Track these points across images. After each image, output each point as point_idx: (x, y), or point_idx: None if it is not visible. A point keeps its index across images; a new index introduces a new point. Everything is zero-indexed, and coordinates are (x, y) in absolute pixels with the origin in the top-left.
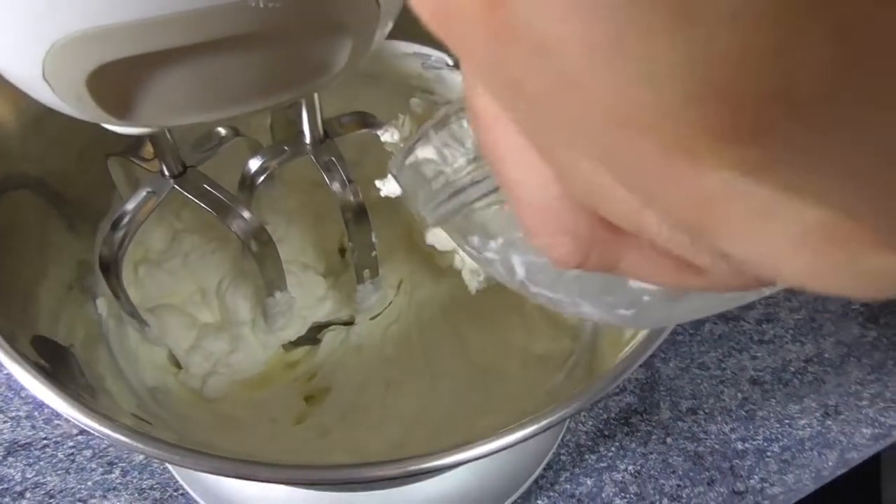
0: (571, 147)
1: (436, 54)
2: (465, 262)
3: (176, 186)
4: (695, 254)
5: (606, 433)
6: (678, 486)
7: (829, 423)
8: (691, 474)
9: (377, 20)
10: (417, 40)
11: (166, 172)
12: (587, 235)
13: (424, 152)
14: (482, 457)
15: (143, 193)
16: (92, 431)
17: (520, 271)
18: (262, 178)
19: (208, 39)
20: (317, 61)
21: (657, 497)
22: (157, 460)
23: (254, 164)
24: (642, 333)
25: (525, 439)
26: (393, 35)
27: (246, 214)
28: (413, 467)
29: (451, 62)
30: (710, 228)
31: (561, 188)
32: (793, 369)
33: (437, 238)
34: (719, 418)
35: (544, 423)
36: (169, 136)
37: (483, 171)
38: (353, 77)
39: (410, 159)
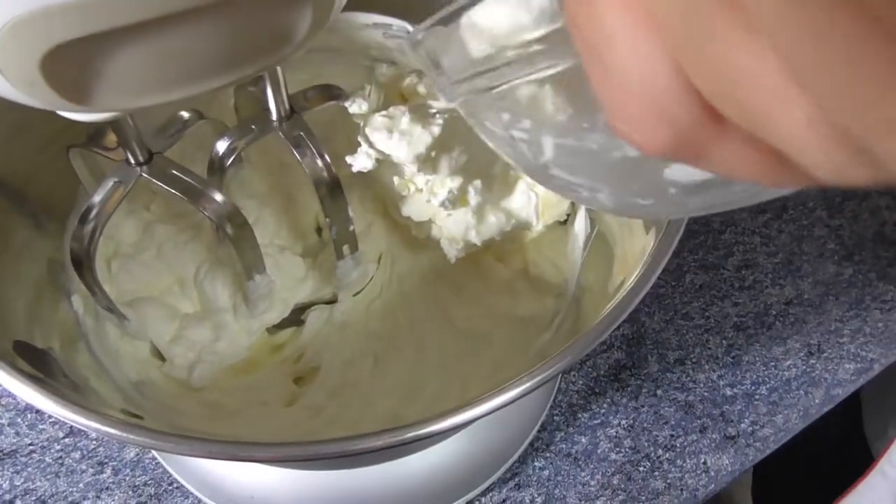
0: (741, 30)
1: (396, 23)
2: (442, 231)
3: (144, 174)
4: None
5: (597, 390)
6: (671, 436)
7: (813, 361)
8: (683, 423)
9: None
10: (377, 10)
11: (132, 160)
12: (688, 127)
13: (477, 15)
14: (478, 418)
15: (109, 184)
16: (85, 428)
17: (548, 152)
18: (231, 159)
19: (164, 14)
20: (277, 31)
21: (652, 448)
22: (150, 454)
23: (221, 145)
24: (626, 287)
25: (519, 397)
26: (351, 6)
27: (219, 197)
28: (410, 434)
29: (411, 30)
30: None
31: (672, 76)
32: (774, 312)
33: (412, 209)
34: (707, 366)
35: (537, 379)
36: (131, 122)
37: (546, 45)
38: (314, 52)
39: (448, 22)
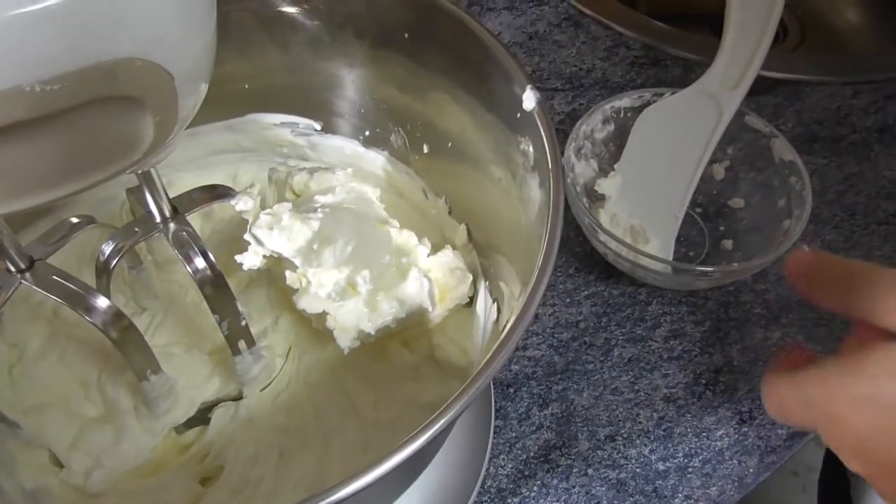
0: None
1: (303, 121)
2: (336, 321)
3: (24, 281)
4: None
5: (527, 473)
6: None
7: (746, 429)
8: (615, 502)
9: (174, 92)
10: (282, 110)
11: (11, 268)
12: None
13: None
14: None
15: None
16: None
17: None
18: (115, 260)
19: None
20: (119, 138)
21: None
22: None
23: (106, 248)
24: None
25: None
26: (258, 108)
27: (100, 302)
28: None
29: (318, 127)
30: None
31: None
32: (704, 381)
33: (305, 302)
34: (638, 441)
35: (420, 440)
36: (5, 230)
37: None
38: (227, 153)
39: None
